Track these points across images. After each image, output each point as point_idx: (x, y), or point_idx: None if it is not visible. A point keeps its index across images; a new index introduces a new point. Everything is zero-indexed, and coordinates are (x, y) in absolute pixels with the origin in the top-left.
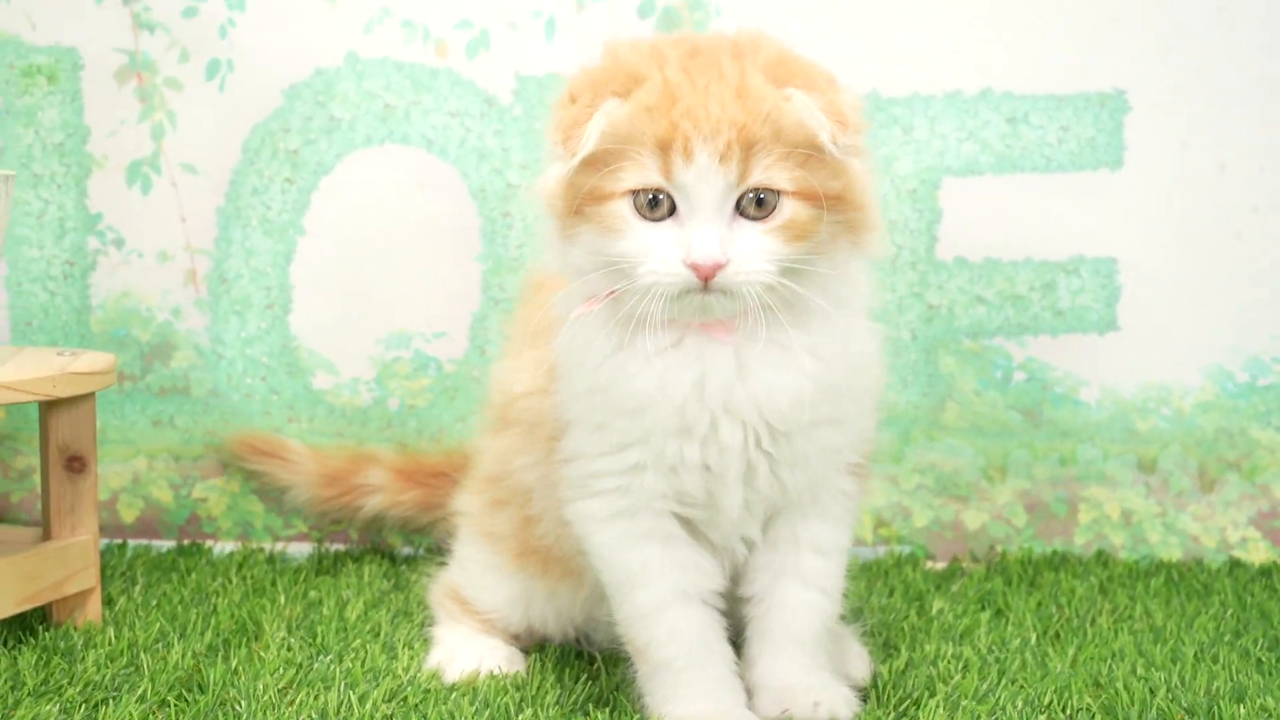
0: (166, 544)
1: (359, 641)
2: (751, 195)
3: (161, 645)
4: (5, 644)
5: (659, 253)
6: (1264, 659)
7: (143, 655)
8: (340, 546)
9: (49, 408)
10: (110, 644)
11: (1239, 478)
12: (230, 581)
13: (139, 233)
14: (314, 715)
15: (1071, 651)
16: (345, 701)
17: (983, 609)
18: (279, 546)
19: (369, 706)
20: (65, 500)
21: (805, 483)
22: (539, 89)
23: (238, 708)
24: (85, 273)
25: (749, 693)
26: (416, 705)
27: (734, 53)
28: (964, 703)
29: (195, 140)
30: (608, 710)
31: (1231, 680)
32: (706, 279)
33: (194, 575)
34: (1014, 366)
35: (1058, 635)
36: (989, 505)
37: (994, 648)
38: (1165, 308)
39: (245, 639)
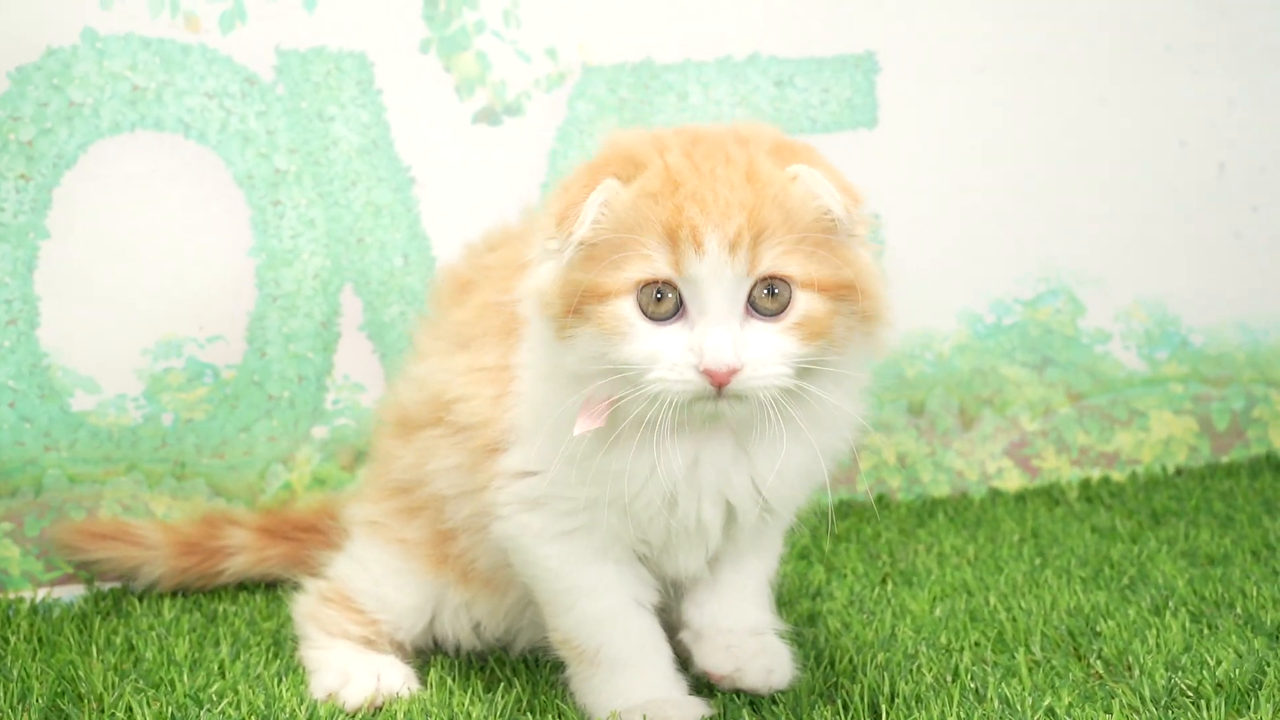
0: None
1: (217, 685)
2: (764, 288)
3: None
4: None
5: (668, 358)
6: (1085, 577)
7: None
8: (116, 583)
9: None
10: None
11: (992, 412)
12: (8, 641)
13: None
14: None
15: (923, 594)
16: None
17: (810, 564)
18: (43, 593)
19: None
20: None
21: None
22: (303, 64)
23: None
24: None
25: (689, 643)
26: None
27: (737, 139)
28: (879, 655)
29: None
30: (537, 714)
31: (1074, 598)
32: (721, 385)
33: None
34: None
35: (904, 581)
36: None
37: (855, 600)
38: (923, 258)
39: (85, 705)
